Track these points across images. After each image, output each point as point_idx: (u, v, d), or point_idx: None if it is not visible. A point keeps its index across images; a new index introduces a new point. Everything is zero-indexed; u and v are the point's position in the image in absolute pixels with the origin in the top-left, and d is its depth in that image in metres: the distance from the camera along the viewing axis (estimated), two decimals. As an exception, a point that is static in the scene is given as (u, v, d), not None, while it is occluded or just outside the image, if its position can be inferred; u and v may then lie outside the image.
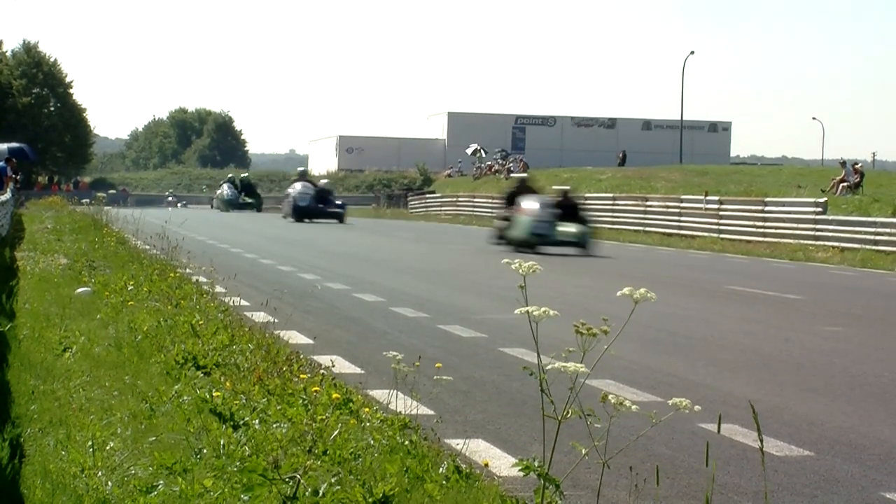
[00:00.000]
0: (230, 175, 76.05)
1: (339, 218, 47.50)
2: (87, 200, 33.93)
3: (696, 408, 3.86)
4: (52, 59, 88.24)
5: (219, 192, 66.06)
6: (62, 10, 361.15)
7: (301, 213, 47.26)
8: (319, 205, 48.05)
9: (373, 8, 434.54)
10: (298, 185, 49.29)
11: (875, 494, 5.80)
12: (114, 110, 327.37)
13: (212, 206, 65.24)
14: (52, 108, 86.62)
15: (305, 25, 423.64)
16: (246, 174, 79.25)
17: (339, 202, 49.88)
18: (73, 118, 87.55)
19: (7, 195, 25.51)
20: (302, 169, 59.83)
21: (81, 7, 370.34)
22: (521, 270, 3.92)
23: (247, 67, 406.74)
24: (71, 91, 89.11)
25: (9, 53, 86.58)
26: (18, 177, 45.16)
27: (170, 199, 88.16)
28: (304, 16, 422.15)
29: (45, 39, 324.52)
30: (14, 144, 49.98)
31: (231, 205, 63.13)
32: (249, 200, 64.31)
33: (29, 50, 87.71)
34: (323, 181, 54.96)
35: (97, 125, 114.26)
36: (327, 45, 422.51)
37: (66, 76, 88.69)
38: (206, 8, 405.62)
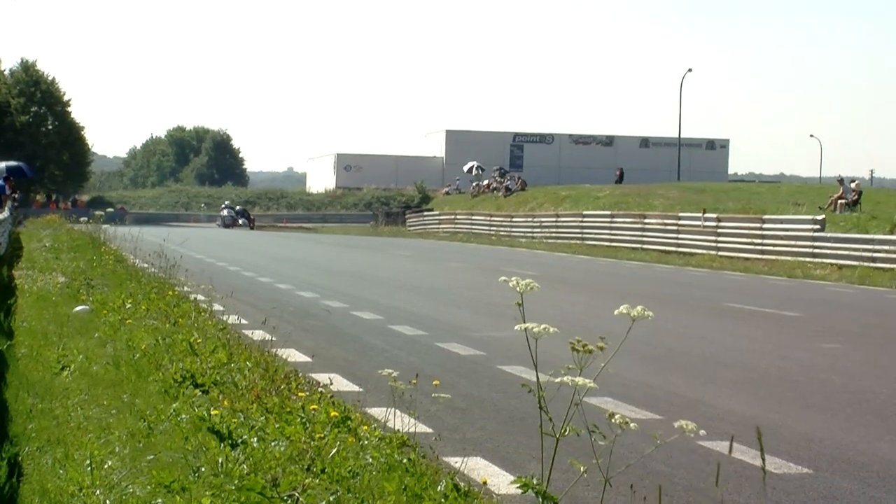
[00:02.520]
0: None
1: None
2: (86, 218, 33.94)
3: (702, 432, 3.83)
4: (50, 78, 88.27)
5: None
6: (60, 29, 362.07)
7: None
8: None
9: (371, 26, 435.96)
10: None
11: (874, 512, 5.79)
12: (112, 129, 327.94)
13: None
14: (50, 127, 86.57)
15: (303, 44, 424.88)
16: None
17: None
18: (71, 136, 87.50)
19: (5, 213, 25.51)
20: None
21: (79, 26, 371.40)
22: (518, 288, 3.91)
23: (245, 86, 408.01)
24: (69, 109, 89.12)
25: (7, 72, 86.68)
26: (16, 195, 45.12)
27: (224, 212, 70.52)
28: (302, 34, 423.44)
29: (44, 58, 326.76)
30: (12, 163, 49.84)
31: None
32: None
33: (27, 68, 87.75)
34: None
35: (95, 143, 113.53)
36: (325, 63, 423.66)
37: (64, 94, 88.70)
38: (204, 27, 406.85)
